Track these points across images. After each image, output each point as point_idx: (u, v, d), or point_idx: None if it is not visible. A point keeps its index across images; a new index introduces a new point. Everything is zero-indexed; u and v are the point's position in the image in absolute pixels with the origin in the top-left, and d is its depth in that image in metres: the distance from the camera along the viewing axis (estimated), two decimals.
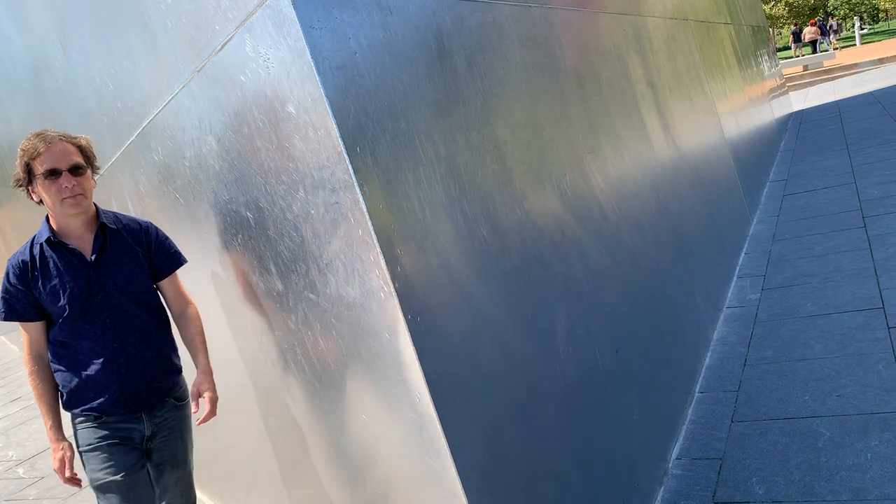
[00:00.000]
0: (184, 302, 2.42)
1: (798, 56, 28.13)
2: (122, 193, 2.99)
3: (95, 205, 2.28)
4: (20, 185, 2.21)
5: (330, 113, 1.70)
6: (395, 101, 1.92)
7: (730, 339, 4.07)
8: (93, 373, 2.20)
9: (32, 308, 2.20)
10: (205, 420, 2.18)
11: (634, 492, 2.58)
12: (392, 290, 1.74)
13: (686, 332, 3.70)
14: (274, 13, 1.74)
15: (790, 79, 20.90)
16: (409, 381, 1.79)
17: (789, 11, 41.38)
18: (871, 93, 13.64)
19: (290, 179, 1.90)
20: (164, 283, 2.38)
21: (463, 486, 1.76)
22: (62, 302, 2.16)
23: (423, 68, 2.08)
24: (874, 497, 2.38)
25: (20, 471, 5.02)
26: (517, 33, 2.79)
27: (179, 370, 2.43)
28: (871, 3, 46.76)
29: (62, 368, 2.23)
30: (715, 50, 7.25)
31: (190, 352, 2.37)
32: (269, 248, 2.11)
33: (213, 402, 2.22)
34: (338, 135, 1.70)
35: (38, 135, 2.15)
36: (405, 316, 1.75)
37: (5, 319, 2.21)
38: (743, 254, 5.69)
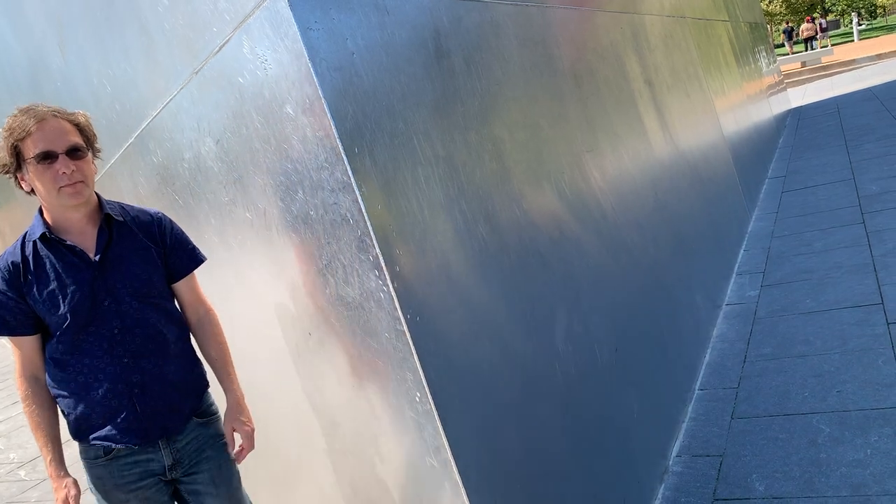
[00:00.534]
0: (202, 307, 2.06)
1: (791, 54, 28.27)
2: (120, 196, 3.00)
3: (97, 194, 1.92)
4: (6, 172, 1.82)
5: (328, 114, 1.70)
6: (393, 102, 1.92)
7: (729, 336, 4.08)
8: (100, 395, 1.83)
9: (26, 319, 1.83)
10: (243, 457, 1.93)
11: (635, 489, 2.58)
12: (391, 290, 1.74)
13: (685, 330, 3.70)
14: (271, 14, 1.75)
15: (788, 75, 20.90)
16: (409, 380, 1.80)
17: (787, 8, 41.39)
18: (869, 89, 13.64)
19: (288, 180, 1.90)
20: (180, 286, 2.01)
21: (463, 484, 1.77)
22: (62, 310, 1.80)
23: (421, 68, 2.09)
24: (874, 492, 2.39)
25: (22, 473, 5.02)
26: (515, 33, 2.79)
27: (205, 387, 2.05)
28: None
29: (63, 392, 1.86)
30: (713, 47, 7.25)
31: (214, 370, 2.04)
32: (268, 250, 2.11)
33: (251, 436, 1.96)
34: (336, 135, 1.71)
35: (26, 110, 1.77)
36: (404, 316, 1.75)
37: None
38: (742, 251, 5.70)
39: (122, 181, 2.93)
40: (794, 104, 14.87)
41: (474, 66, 2.38)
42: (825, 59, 22.66)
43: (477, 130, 2.29)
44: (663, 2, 5.66)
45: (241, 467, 2.14)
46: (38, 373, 1.88)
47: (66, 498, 1.81)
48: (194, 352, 2.03)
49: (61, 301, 1.80)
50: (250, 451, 1.96)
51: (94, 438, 1.86)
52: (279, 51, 1.76)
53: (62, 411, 1.89)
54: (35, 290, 1.81)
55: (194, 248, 2.05)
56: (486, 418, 1.93)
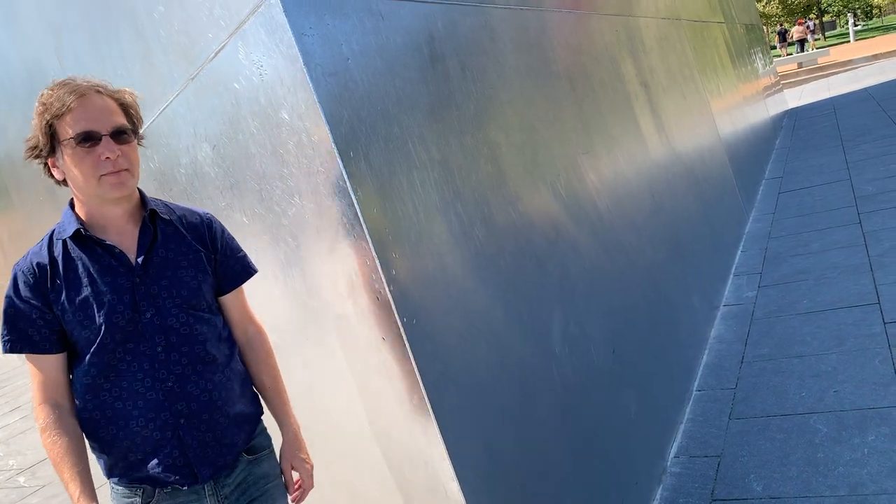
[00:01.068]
0: (252, 326, 1.77)
1: (785, 56, 28.50)
2: None
3: (139, 188, 1.64)
4: (37, 156, 1.55)
5: (323, 118, 1.71)
6: (388, 106, 1.93)
7: (727, 337, 4.09)
8: (140, 427, 1.53)
9: (51, 334, 1.52)
10: (302, 499, 1.72)
11: (633, 490, 2.59)
12: (388, 293, 1.75)
13: (683, 331, 3.71)
14: (266, 21, 1.76)
15: (785, 76, 20.96)
16: (406, 383, 1.80)
17: (783, 9, 41.52)
18: (865, 89, 13.68)
19: (284, 185, 1.91)
20: (229, 299, 1.72)
21: (461, 486, 1.78)
22: (97, 322, 1.50)
23: (416, 73, 2.10)
24: (872, 492, 2.40)
25: (21, 479, 5.02)
26: (510, 36, 2.81)
27: (259, 415, 1.75)
28: None
29: (94, 422, 1.55)
30: (708, 49, 7.28)
31: (265, 398, 1.77)
32: (264, 254, 2.12)
33: (311, 474, 1.72)
34: (331, 140, 1.72)
35: (63, 84, 1.53)
36: (401, 319, 1.76)
37: (10, 351, 1.54)
38: (739, 251, 5.71)
39: None
40: (791, 105, 14.90)
41: (469, 69, 2.40)
42: (821, 60, 22.74)
43: (472, 134, 2.30)
44: (658, 4, 5.68)
45: None
46: (61, 399, 1.56)
47: None
48: (246, 375, 1.74)
49: (96, 312, 1.50)
50: (310, 490, 1.72)
51: (132, 479, 1.56)
52: (274, 56, 1.77)
53: (91, 446, 1.59)
54: (64, 297, 1.51)
55: (245, 257, 1.77)
56: (483, 420, 1.94)
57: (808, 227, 5.76)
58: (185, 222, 1.66)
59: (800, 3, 41.83)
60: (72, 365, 1.57)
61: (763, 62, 12.56)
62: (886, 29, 38.00)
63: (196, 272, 1.61)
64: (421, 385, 1.77)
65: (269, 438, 1.76)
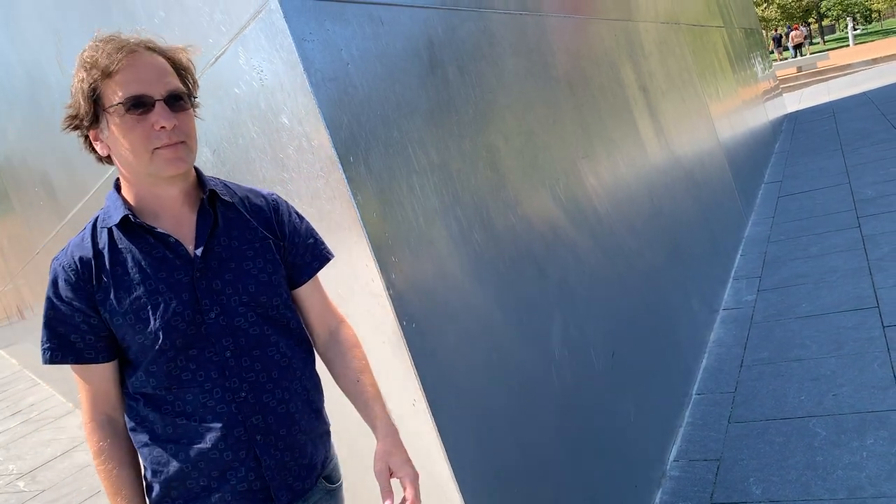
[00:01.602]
0: (334, 319, 1.54)
1: (780, 60, 28.88)
2: None
3: (195, 166, 1.40)
4: (76, 127, 1.30)
5: (323, 123, 1.72)
6: (388, 111, 1.94)
7: (726, 341, 4.09)
8: (209, 445, 1.29)
9: (98, 340, 1.30)
10: None
11: (632, 494, 2.59)
12: (387, 297, 1.76)
13: (682, 335, 3.71)
14: (266, 26, 1.77)
15: (784, 80, 21.00)
16: (405, 386, 1.81)
17: (782, 13, 41.62)
18: (864, 93, 13.71)
19: (285, 189, 1.92)
20: (304, 291, 1.48)
21: (460, 489, 1.78)
22: (152, 326, 1.27)
23: (415, 78, 2.11)
24: (870, 495, 2.40)
25: (21, 484, 5.01)
26: (509, 41, 2.82)
27: (329, 431, 1.55)
28: (864, 3, 47.05)
29: (151, 441, 1.32)
30: (707, 53, 7.30)
31: (356, 401, 1.48)
32: None
33: (416, 482, 1.37)
34: (331, 145, 1.72)
35: (108, 39, 1.26)
36: (401, 322, 1.77)
37: (51, 361, 1.30)
38: (738, 255, 5.72)
39: None
40: (791, 109, 14.94)
41: (469, 74, 2.41)
42: (821, 64, 22.77)
43: (472, 138, 2.31)
44: (657, 9, 5.70)
45: None
46: (114, 412, 1.35)
47: None
48: (320, 384, 1.52)
49: (151, 314, 1.27)
50: None
51: None
52: (275, 62, 1.78)
53: (146, 466, 1.35)
54: (113, 297, 1.27)
55: (318, 241, 1.52)
56: (482, 424, 1.94)
57: (808, 231, 5.77)
58: (249, 204, 1.41)
59: (798, 6, 41.93)
60: (123, 374, 1.34)
61: (762, 66, 12.59)
62: (886, 33, 38.08)
63: (265, 263, 1.37)
64: (420, 388, 1.77)
65: (339, 467, 1.57)
